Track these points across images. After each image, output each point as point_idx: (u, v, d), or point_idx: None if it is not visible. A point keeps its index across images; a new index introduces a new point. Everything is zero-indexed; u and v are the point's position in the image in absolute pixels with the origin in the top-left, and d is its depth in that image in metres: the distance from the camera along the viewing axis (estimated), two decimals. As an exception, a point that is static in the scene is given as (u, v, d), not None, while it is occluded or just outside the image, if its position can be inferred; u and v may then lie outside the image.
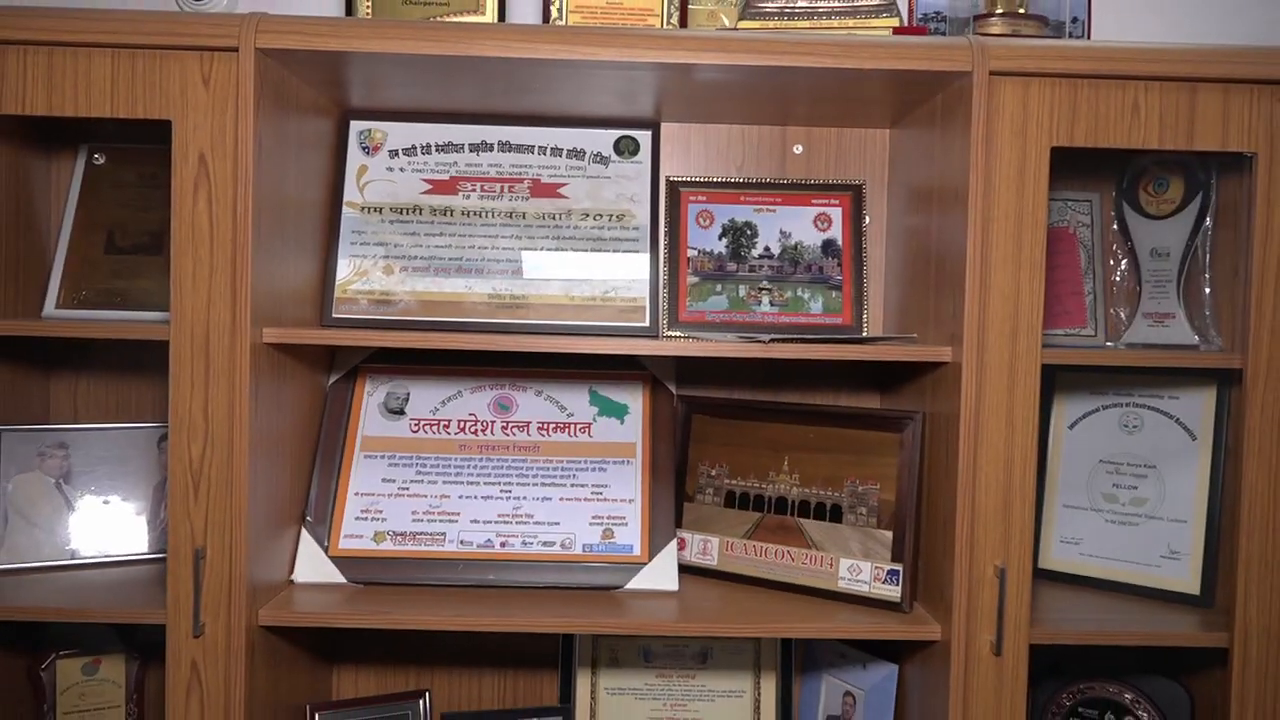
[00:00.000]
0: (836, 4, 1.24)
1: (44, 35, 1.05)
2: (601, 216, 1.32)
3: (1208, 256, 1.24)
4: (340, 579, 1.21)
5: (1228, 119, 1.09)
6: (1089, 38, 1.40)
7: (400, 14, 1.34)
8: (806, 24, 1.23)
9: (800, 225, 1.36)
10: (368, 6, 1.33)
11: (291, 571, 1.21)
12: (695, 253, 1.35)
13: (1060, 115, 1.08)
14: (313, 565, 1.21)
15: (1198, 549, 1.19)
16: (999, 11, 1.25)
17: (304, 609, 1.13)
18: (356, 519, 1.25)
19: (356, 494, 1.26)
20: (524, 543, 1.24)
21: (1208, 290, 1.23)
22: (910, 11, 1.40)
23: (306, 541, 1.22)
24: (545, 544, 1.24)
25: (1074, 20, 1.39)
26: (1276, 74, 1.08)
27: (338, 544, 1.23)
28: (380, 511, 1.25)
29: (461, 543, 1.23)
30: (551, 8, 1.31)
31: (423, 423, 1.31)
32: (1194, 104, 1.09)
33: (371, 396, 1.32)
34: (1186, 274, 1.25)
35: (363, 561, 1.22)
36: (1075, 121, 1.08)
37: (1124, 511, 1.25)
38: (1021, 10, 1.26)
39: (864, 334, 1.33)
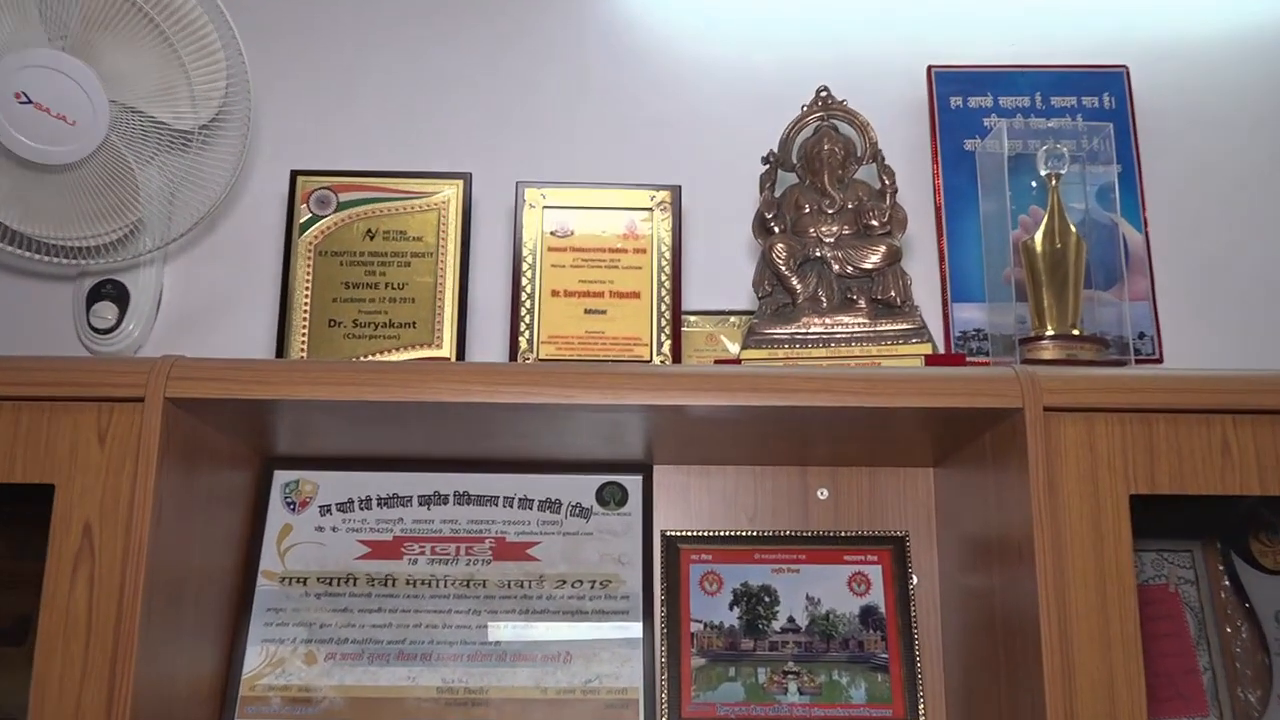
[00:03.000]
0: (857, 328, 1.30)
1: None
2: (582, 583, 1.33)
3: (1351, 623, 1.22)
4: None
5: (1343, 457, 1.12)
6: (1160, 356, 1.48)
7: (341, 349, 1.40)
8: (822, 353, 1.29)
9: (831, 589, 1.36)
10: (303, 342, 1.40)
11: None
12: (700, 627, 1.34)
13: (1136, 457, 1.10)
14: None
15: None
16: (1049, 333, 1.31)
17: None
18: None
19: None
20: None
21: (1358, 667, 1.21)
22: (946, 331, 1.48)
23: None
24: None
25: (1140, 336, 1.48)
26: (1388, 402, 1.11)
27: None
28: None
29: None
30: (520, 339, 1.37)
31: None
32: (1297, 440, 1.12)
33: (279, 833, 1.26)
34: (1329, 645, 1.23)
35: None
36: (1155, 464, 1.10)
37: None
38: (1076, 331, 1.32)
39: (922, 731, 1.29)
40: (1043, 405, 1.11)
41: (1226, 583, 1.34)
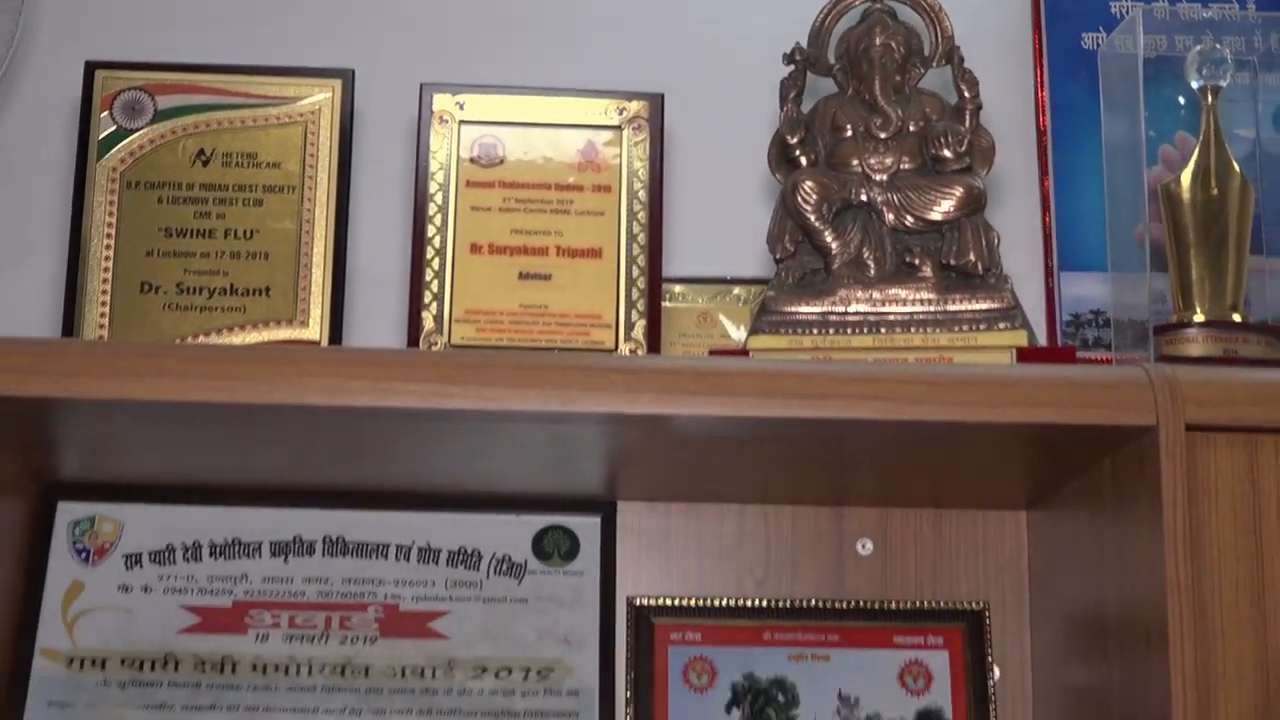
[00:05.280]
0: (919, 307, 1.31)
1: None
2: (511, 672, 1.36)
3: None
4: None
5: None
6: (1363, 353, 1.49)
7: (158, 328, 1.39)
8: (868, 342, 1.29)
9: (876, 684, 1.39)
10: (102, 315, 1.39)
11: None
12: (685, 738, 1.35)
13: (1321, 498, 1.12)
14: None
15: None
16: (1198, 319, 1.33)
17: None
18: None
19: None
20: None
21: None
22: (1050, 315, 1.54)
23: None
24: None
25: (1332, 327, 1.49)
26: None
27: None
28: None
29: None
30: (425, 315, 1.37)
31: None
32: None
33: None
34: None
35: None
36: None
37: None
38: (1237, 316, 1.34)
39: None
40: (1186, 422, 1.12)
41: None
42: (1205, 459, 1.12)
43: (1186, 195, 1.36)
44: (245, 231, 1.41)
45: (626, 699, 1.35)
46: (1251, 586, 1.10)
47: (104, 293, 1.39)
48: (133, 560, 1.36)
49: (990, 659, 1.39)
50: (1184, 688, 1.07)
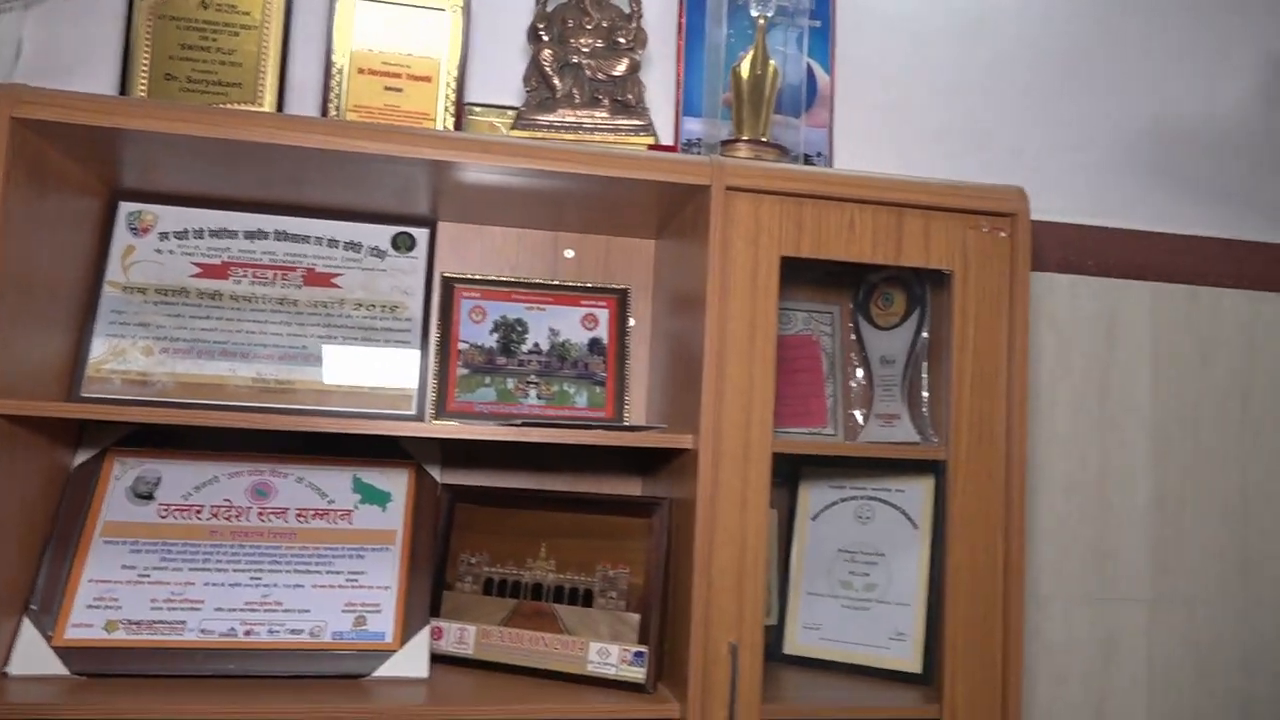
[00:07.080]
0: (601, 121, 1.38)
1: None
2: (375, 307, 1.38)
3: (925, 363, 1.41)
4: (63, 671, 1.17)
5: (929, 240, 1.26)
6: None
7: (177, 100, 1.37)
8: (572, 137, 1.36)
9: (569, 324, 1.46)
10: (143, 88, 1.37)
11: (5, 663, 1.16)
12: (466, 346, 1.42)
13: (788, 229, 1.22)
14: (31, 656, 1.17)
15: (919, 630, 1.32)
16: (744, 138, 1.39)
17: (17, 700, 1.09)
18: (88, 607, 1.21)
19: (90, 581, 1.23)
20: (270, 631, 1.24)
21: (925, 393, 1.41)
22: (676, 136, 1.54)
23: (28, 630, 1.18)
24: (293, 632, 1.24)
25: (818, 155, 1.59)
26: (966, 205, 1.27)
27: (63, 633, 1.19)
28: (115, 599, 1.22)
29: (203, 631, 1.22)
30: (330, 105, 1.37)
31: (172, 508, 1.30)
32: (900, 225, 1.26)
33: (119, 480, 1.30)
34: (909, 379, 1.42)
35: (90, 652, 1.19)
36: (801, 235, 1.23)
37: (857, 597, 1.37)
38: (765, 139, 1.40)
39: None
40: (725, 185, 1.21)
41: (853, 336, 1.51)
42: (734, 207, 1.20)
43: (745, 75, 1.38)
44: (228, 49, 1.39)
45: (436, 324, 1.41)
46: (751, 272, 1.20)
47: (143, 79, 1.36)
48: (163, 236, 1.35)
49: (629, 314, 1.47)
50: (712, 324, 1.19)
